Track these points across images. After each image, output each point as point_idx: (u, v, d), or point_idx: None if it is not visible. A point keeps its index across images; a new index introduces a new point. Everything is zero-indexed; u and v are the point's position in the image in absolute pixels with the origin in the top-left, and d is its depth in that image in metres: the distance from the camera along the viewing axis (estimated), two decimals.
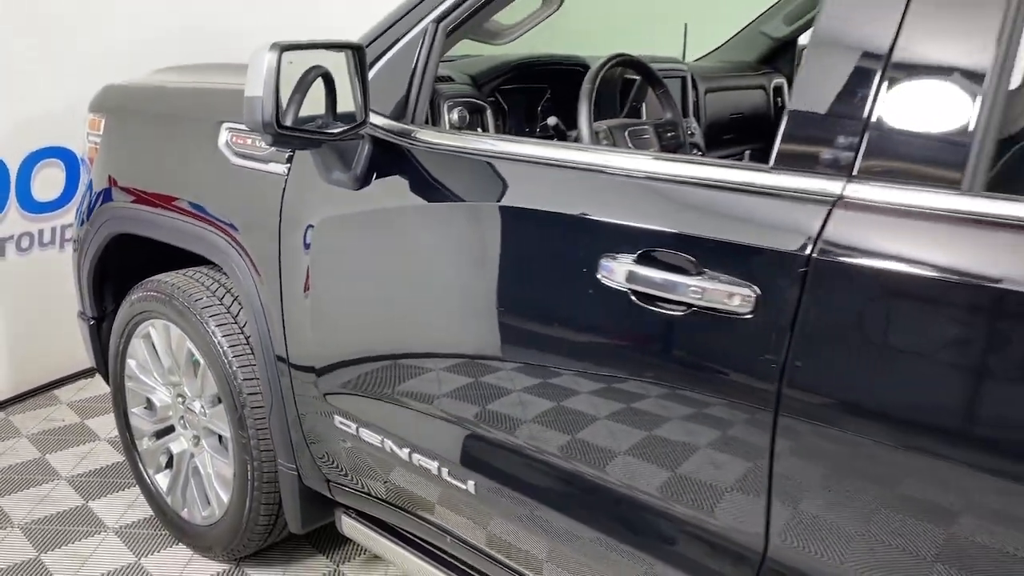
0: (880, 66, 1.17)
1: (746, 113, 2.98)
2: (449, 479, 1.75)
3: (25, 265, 3.43)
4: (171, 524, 2.62)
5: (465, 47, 2.14)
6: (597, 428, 1.46)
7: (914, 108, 1.15)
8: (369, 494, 2.05)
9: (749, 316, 1.24)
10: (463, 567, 1.93)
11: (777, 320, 1.21)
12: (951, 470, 1.11)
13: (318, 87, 1.64)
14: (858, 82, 1.19)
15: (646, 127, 2.21)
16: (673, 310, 1.31)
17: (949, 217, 1.11)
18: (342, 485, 2.11)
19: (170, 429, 2.60)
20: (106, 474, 3.00)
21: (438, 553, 2.00)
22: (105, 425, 3.29)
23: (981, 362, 1.09)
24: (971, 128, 1.10)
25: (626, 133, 2.12)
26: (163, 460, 2.63)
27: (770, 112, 2.93)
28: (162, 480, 2.64)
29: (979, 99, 1.10)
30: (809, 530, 1.24)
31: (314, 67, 1.68)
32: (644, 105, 2.41)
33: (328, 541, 2.62)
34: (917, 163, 1.14)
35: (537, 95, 2.27)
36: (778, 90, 2.95)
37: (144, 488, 2.69)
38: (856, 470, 1.18)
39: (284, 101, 1.61)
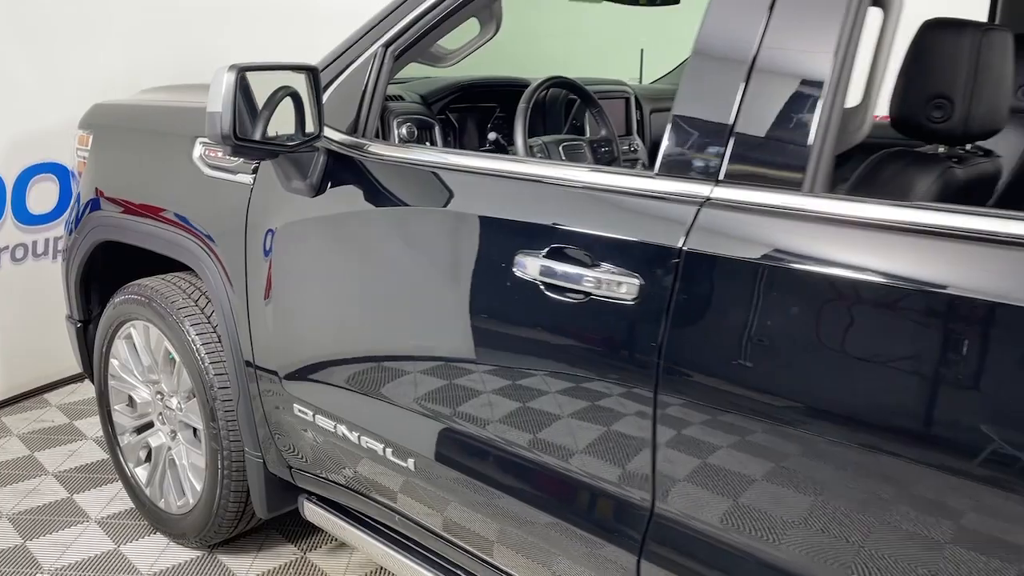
0: (741, 85, 1.36)
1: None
2: (392, 458, 1.93)
3: (19, 274, 3.62)
4: (149, 514, 2.79)
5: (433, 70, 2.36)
6: (515, 405, 1.65)
7: (767, 121, 1.34)
8: (326, 478, 2.23)
9: (634, 302, 1.42)
10: (418, 548, 2.09)
11: (656, 305, 1.40)
12: (797, 434, 1.29)
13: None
14: (723, 99, 1.38)
15: (581, 142, 2.41)
16: (575, 299, 1.50)
17: (793, 214, 1.30)
18: (302, 471, 2.29)
19: (149, 425, 2.78)
20: (91, 470, 3.18)
21: (395, 536, 2.16)
22: (92, 426, 3.46)
23: (823, 337, 1.27)
24: (811, 139, 1.29)
25: (560, 147, 2.32)
26: (143, 454, 2.81)
27: None
28: (141, 473, 2.81)
29: (818, 114, 1.29)
30: (687, 488, 1.42)
31: (283, 87, 1.88)
32: (587, 122, 2.60)
33: (297, 531, 2.79)
34: (769, 168, 1.34)
35: (488, 113, 2.47)
36: None
37: (125, 481, 2.87)
38: (722, 436, 1.36)
39: (245, 115, 1.81)
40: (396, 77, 2.16)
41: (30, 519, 2.84)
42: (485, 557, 1.86)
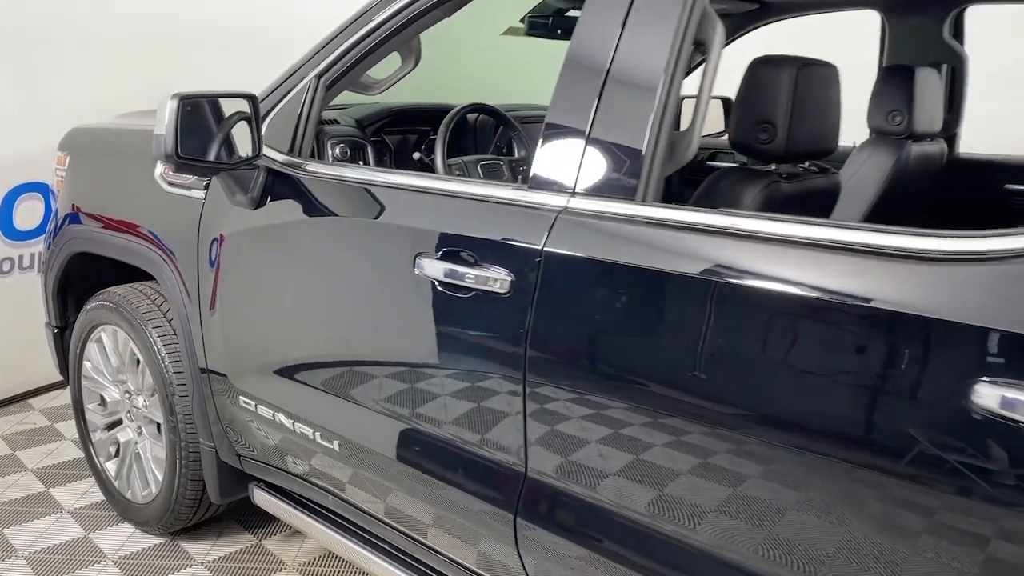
0: (589, 119, 1.62)
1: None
2: (320, 441, 2.18)
3: (6, 287, 3.88)
4: (117, 504, 3.03)
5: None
6: (416, 387, 1.89)
7: (609, 146, 1.60)
8: (269, 464, 2.47)
9: (507, 295, 1.68)
10: (355, 529, 2.33)
11: (524, 297, 1.65)
12: (634, 405, 1.54)
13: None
14: (576, 125, 1.64)
15: (499, 162, 2.67)
16: (460, 293, 1.75)
17: (630, 219, 1.55)
18: (249, 458, 2.53)
19: (119, 422, 3.02)
20: (67, 467, 3.42)
21: (335, 519, 2.39)
22: (71, 428, 3.68)
23: (650, 320, 1.52)
24: (643, 159, 1.55)
25: (479, 166, 2.58)
26: (112, 449, 3.05)
27: None
28: (111, 466, 3.05)
29: (647, 139, 1.55)
30: (555, 454, 1.67)
31: (238, 112, 2.15)
32: (514, 143, 2.86)
33: (253, 520, 3.03)
34: (611, 182, 1.59)
35: (423, 135, 2.74)
36: None
37: (96, 474, 3.11)
38: (579, 409, 1.61)
39: (193, 136, 2.07)
40: (336, 103, 2.43)
41: (8, 510, 3.08)
42: (402, 528, 2.10)
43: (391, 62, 2.32)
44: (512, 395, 1.70)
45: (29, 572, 2.73)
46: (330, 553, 2.84)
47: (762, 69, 1.76)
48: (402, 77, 2.37)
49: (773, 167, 1.86)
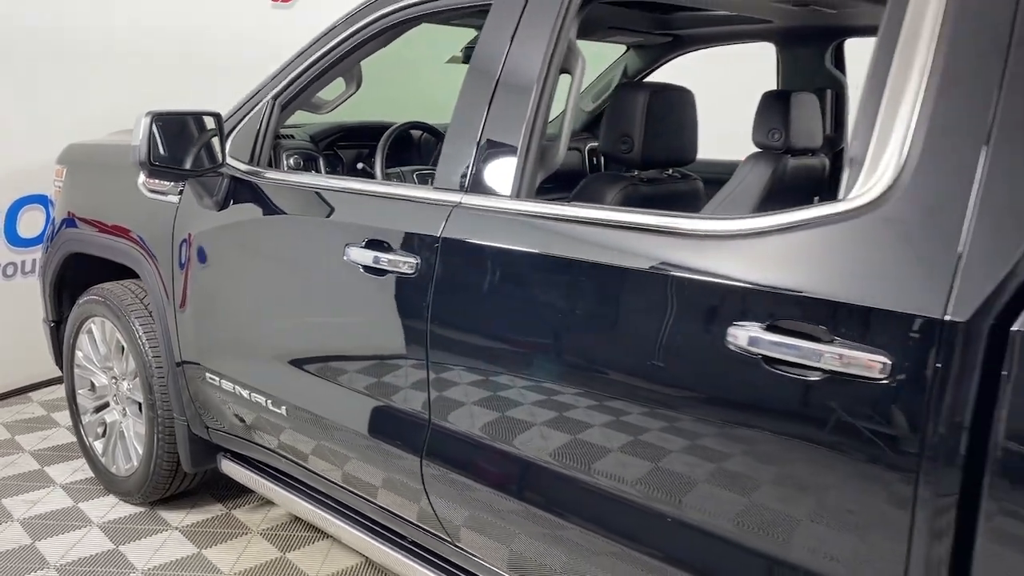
0: (480, 128, 2.00)
1: (562, 169, 3.82)
2: (272, 408, 2.55)
3: (10, 288, 4.27)
4: (103, 478, 3.40)
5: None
6: (344, 356, 2.27)
7: (493, 154, 1.98)
8: (232, 434, 2.83)
9: (414, 276, 2.05)
10: (309, 491, 2.68)
11: (426, 278, 2.02)
12: (515, 367, 1.90)
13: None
14: (469, 136, 2.02)
15: (432, 170, 3.04)
16: (378, 276, 2.13)
17: (507, 212, 1.93)
18: (216, 429, 2.90)
19: (106, 405, 3.39)
20: (61, 449, 3.78)
21: (295, 485, 2.74)
22: (67, 417, 4.05)
23: (524, 294, 1.89)
24: (517, 163, 1.93)
25: (414, 174, 2.96)
26: (100, 430, 3.42)
27: (584, 168, 3.76)
28: (98, 445, 3.42)
29: (521, 147, 1.93)
30: (452, 406, 2.03)
31: (211, 129, 2.54)
32: None
33: (225, 493, 3.38)
34: (494, 182, 1.97)
35: (372, 149, 3.11)
36: (592, 151, 3.77)
37: (85, 453, 3.48)
38: (465, 371, 1.97)
39: (167, 147, 2.45)
40: (297, 121, 2.81)
41: (6, 483, 3.45)
42: (341, 483, 2.47)
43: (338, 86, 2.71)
44: (418, 359, 2.07)
45: (23, 534, 3.09)
46: (292, 521, 3.20)
47: (623, 92, 2.15)
48: (346, 99, 2.76)
49: (636, 172, 2.24)
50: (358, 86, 2.75)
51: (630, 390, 1.69)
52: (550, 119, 2.02)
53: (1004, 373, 1.25)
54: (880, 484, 1.37)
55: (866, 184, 1.43)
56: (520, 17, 2.00)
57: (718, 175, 2.64)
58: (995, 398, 1.25)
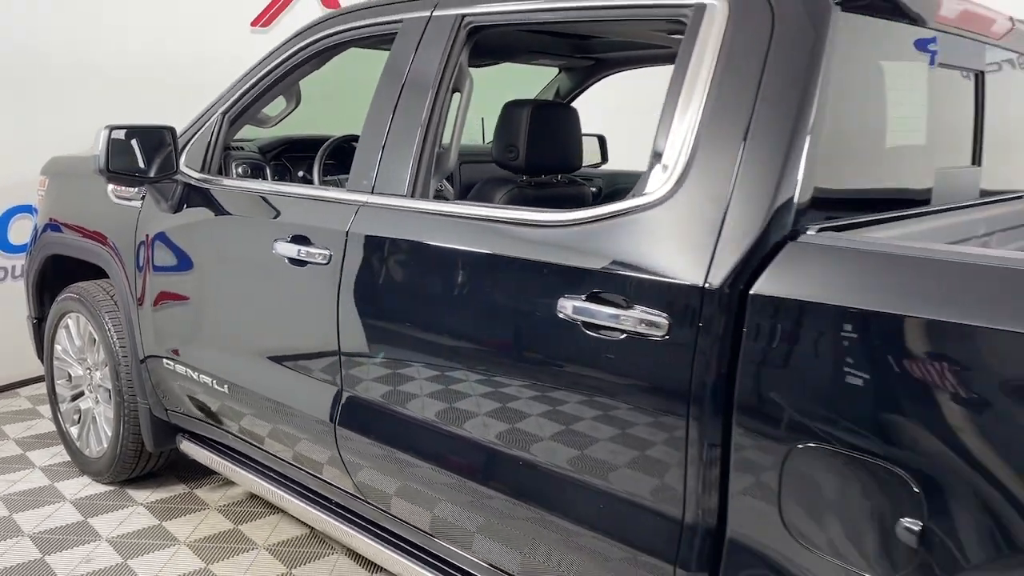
0: (383, 137, 2.34)
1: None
2: (216, 387, 2.88)
3: (1, 292, 4.62)
4: (77, 460, 3.73)
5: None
6: (272, 335, 2.60)
7: (393, 159, 2.31)
8: (188, 414, 3.16)
9: (327, 265, 2.38)
10: (256, 465, 3.00)
11: (338, 266, 2.35)
12: (412, 339, 2.23)
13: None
14: (375, 146, 2.36)
15: None
16: (300, 266, 2.46)
17: (402, 209, 2.26)
18: (174, 411, 3.23)
19: (81, 394, 3.73)
20: (43, 438, 4.12)
21: (248, 463, 3.06)
22: (49, 410, 4.40)
23: (414, 277, 2.22)
24: (411, 168, 2.26)
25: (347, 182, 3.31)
26: (75, 416, 3.75)
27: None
28: (74, 431, 3.75)
29: (415, 155, 2.26)
30: (361, 376, 2.35)
31: (167, 141, 2.89)
32: None
33: (189, 475, 3.71)
34: (393, 184, 2.30)
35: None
36: None
37: (63, 437, 3.81)
38: (376, 343, 2.30)
39: (130, 156, 2.79)
40: (248, 136, 3.16)
41: None
42: (271, 451, 2.79)
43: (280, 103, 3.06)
44: (330, 335, 2.40)
45: (3, 508, 3.42)
46: (248, 499, 3.52)
47: (510, 108, 2.48)
48: (287, 115, 3.11)
49: (524, 178, 2.57)
50: (297, 103, 3.09)
51: (492, 352, 2.01)
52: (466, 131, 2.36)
53: (745, 329, 1.57)
54: (669, 418, 1.69)
55: (660, 182, 1.76)
56: (418, 45, 2.34)
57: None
58: (739, 348, 1.58)
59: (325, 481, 2.62)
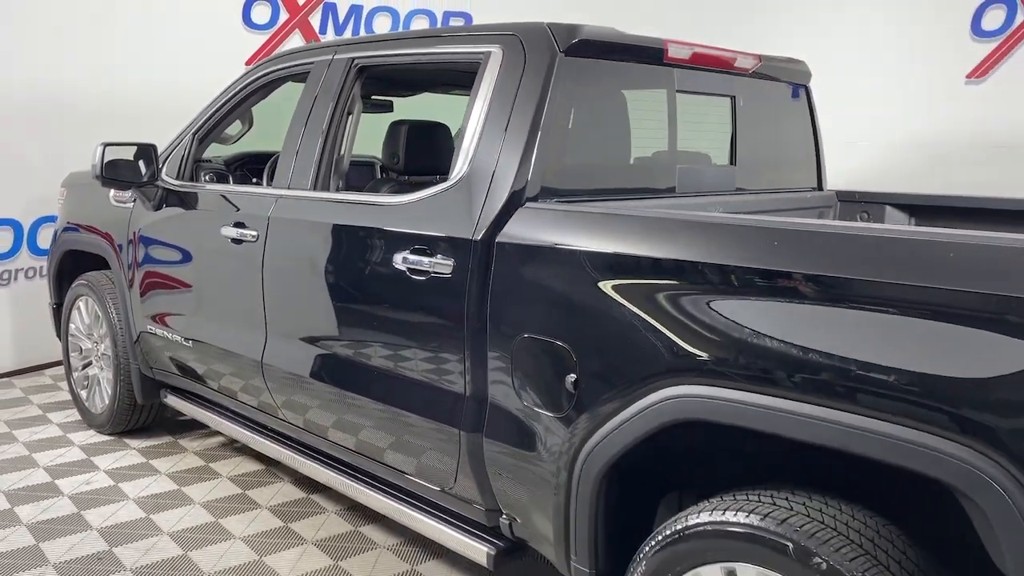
0: (296, 145, 3.20)
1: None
2: (184, 343, 3.74)
3: (31, 287, 5.54)
4: (86, 417, 4.60)
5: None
6: (220, 299, 3.46)
7: (303, 160, 3.17)
8: (166, 370, 4.03)
9: (255, 242, 3.24)
10: (222, 410, 3.84)
11: (263, 242, 3.21)
12: (306, 297, 3.07)
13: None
14: (291, 152, 3.22)
15: None
16: (237, 245, 3.32)
17: (307, 199, 3.11)
18: (157, 368, 4.09)
19: (89, 363, 4.61)
20: (62, 404, 5.00)
21: (225, 413, 3.91)
22: (62, 381, 5.28)
23: (307, 250, 3.07)
24: (314, 167, 3.12)
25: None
26: (85, 382, 4.63)
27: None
28: (83, 393, 4.63)
29: (316, 158, 3.12)
30: (277, 326, 3.19)
31: (150, 156, 3.78)
32: None
33: (177, 429, 4.57)
34: (301, 180, 3.15)
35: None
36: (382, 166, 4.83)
37: (75, 399, 4.69)
38: (287, 299, 3.14)
39: (113, 167, 3.68)
40: (220, 153, 4.05)
41: (16, 423, 4.67)
42: (223, 390, 3.64)
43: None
44: (258, 295, 3.24)
45: (24, 450, 4.30)
46: (223, 445, 4.37)
47: (393, 126, 3.33)
48: (243, 135, 4.00)
49: (406, 177, 3.42)
50: (250, 125, 3.98)
51: (359, 293, 2.84)
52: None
53: (494, 265, 2.39)
54: (455, 328, 2.49)
55: (456, 172, 2.59)
56: (322, 80, 3.20)
57: None
58: (491, 277, 2.40)
59: (259, 409, 3.46)
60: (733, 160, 3.15)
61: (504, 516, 2.55)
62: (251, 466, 4.13)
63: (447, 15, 7.05)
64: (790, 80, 3.35)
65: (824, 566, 1.71)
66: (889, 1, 6.31)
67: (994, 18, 5.78)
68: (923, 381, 1.60)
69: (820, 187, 3.55)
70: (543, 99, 2.45)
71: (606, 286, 2.12)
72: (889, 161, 6.16)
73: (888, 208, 3.38)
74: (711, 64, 2.94)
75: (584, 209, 2.32)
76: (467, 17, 7.09)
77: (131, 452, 4.30)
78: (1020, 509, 1.48)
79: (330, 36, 6.67)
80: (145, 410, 4.39)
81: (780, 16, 6.71)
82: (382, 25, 6.88)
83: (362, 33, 6.77)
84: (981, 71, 5.83)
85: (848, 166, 6.05)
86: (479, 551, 2.62)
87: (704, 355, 1.92)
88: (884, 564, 1.71)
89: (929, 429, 1.59)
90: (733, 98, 3.11)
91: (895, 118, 6.14)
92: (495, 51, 2.61)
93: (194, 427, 4.59)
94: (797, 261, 1.82)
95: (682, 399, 1.95)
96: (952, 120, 5.94)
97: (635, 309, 2.05)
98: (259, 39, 6.36)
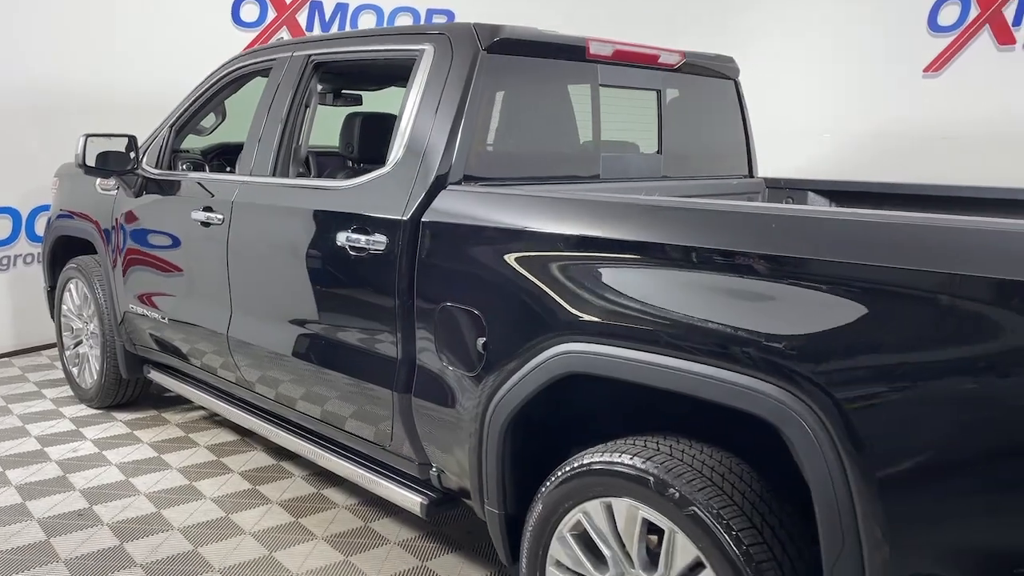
0: (259, 136, 3.48)
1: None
2: (162, 320, 4.03)
3: (29, 273, 5.86)
4: (77, 392, 4.91)
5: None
6: (192, 278, 3.75)
7: (263, 150, 3.44)
8: (147, 346, 4.32)
9: (221, 224, 3.52)
10: (197, 383, 4.14)
11: (228, 224, 3.49)
12: (262, 273, 3.36)
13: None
14: (253, 142, 3.50)
15: None
16: (205, 227, 3.60)
17: (266, 185, 3.39)
18: (139, 344, 4.39)
19: (80, 342, 4.92)
20: (56, 382, 5.30)
21: (186, 378, 4.20)
22: (57, 359, 5.59)
23: (261, 227, 3.35)
24: (272, 157, 3.40)
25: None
26: (76, 360, 4.94)
27: None
28: (75, 370, 4.94)
29: (274, 147, 3.40)
30: (241, 301, 3.48)
31: (130, 146, 4.07)
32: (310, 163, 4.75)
33: (162, 405, 4.88)
34: (262, 167, 3.44)
35: None
36: None
37: (67, 376, 5.00)
38: (251, 278, 3.43)
39: (95, 157, 3.97)
40: (203, 142, 4.34)
41: (13, 398, 4.98)
42: (196, 361, 3.93)
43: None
44: (223, 273, 3.53)
45: (19, 421, 4.61)
46: (203, 419, 4.67)
47: (348, 117, 3.60)
48: (217, 127, 4.29)
49: (361, 164, 3.69)
50: (223, 118, 4.26)
51: (308, 268, 3.11)
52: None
53: (420, 242, 2.67)
54: (388, 300, 2.76)
55: (392, 159, 2.86)
56: (282, 75, 3.48)
57: None
58: (417, 253, 2.67)
59: (225, 379, 3.75)
60: (660, 149, 3.41)
61: (433, 468, 2.83)
62: (227, 436, 4.42)
63: (430, 12, 7.32)
64: (717, 75, 3.61)
65: (677, 495, 1.97)
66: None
67: (950, 14, 6.00)
68: (750, 336, 1.86)
69: (751, 175, 3.80)
70: (466, 92, 2.72)
71: (509, 258, 2.39)
72: (850, 152, 6.40)
73: (810, 194, 3.64)
74: (634, 60, 3.20)
75: (493, 191, 2.59)
76: (450, 14, 7.36)
77: (117, 424, 4.60)
78: (817, 439, 1.74)
79: (317, 34, 6.95)
80: (130, 384, 4.69)
81: (750, 16, 6.95)
82: (367, 22, 7.16)
83: (347, 30, 7.05)
84: (937, 65, 6.05)
85: (810, 156, 6.31)
86: (414, 502, 2.89)
87: (585, 317, 2.19)
88: (728, 493, 1.97)
89: (754, 375, 1.85)
90: (659, 91, 3.37)
91: (857, 111, 6.37)
92: (428, 49, 2.88)
93: (177, 402, 4.89)
94: (655, 234, 2.09)
95: (567, 355, 2.22)
96: (910, 112, 6.17)
97: (531, 278, 2.32)
98: (248, 36, 6.64)
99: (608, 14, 7.11)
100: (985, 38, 5.81)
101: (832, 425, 1.73)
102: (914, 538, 1.66)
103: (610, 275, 2.16)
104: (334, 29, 7.02)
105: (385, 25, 7.17)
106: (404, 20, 7.26)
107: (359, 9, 7.10)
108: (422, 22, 7.28)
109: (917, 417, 1.65)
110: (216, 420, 4.64)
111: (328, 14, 6.99)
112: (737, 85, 3.70)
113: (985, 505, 1.61)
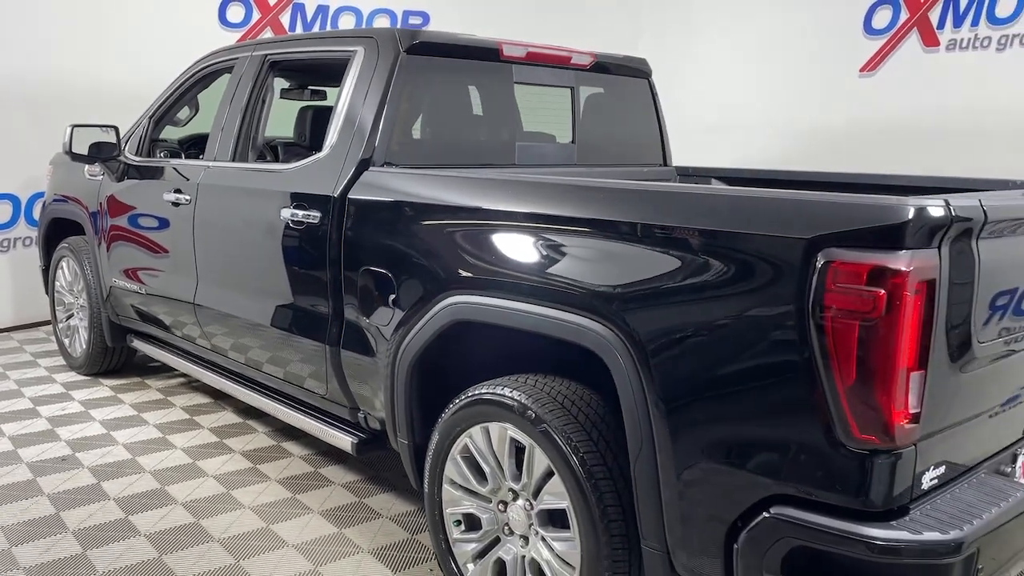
0: (222, 125, 3.95)
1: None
2: (139, 291, 4.51)
3: (27, 254, 6.34)
4: (68, 361, 5.39)
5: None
6: (163, 252, 4.22)
7: (225, 137, 3.91)
8: (130, 316, 4.80)
9: (188, 204, 3.99)
10: (173, 350, 4.61)
11: (194, 205, 3.96)
12: (212, 252, 3.83)
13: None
14: (217, 131, 3.98)
15: None
16: (176, 207, 4.07)
17: (225, 168, 3.86)
18: (122, 316, 4.87)
19: (71, 315, 5.40)
20: (51, 353, 5.78)
21: (162, 344, 4.67)
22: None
23: (221, 209, 3.82)
24: (233, 143, 3.86)
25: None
26: (68, 331, 5.42)
27: None
28: (66, 341, 5.42)
29: (236, 134, 3.86)
30: (206, 272, 3.95)
31: (113, 136, 4.55)
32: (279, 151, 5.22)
33: (146, 373, 5.35)
34: (224, 153, 3.90)
35: None
36: None
37: (60, 346, 5.48)
38: (213, 252, 3.90)
39: (82, 145, 4.45)
40: (180, 132, 4.82)
41: (11, 366, 5.47)
42: (170, 327, 4.40)
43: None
44: (190, 247, 4.00)
45: (14, 386, 5.09)
46: (183, 384, 5.14)
47: (301, 110, 4.06)
48: (192, 119, 4.76)
49: (313, 152, 4.15)
50: (197, 110, 4.74)
51: (256, 241, 3.58)
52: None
53: (347, 216, 3.13)
54: (321, 268, 3.23)
55: (327, 145, 3.32)
56: (243, 71, 3.95)
57: None
58: (344, 227, 3.13)
59: (192, 341, 4.22)
60: (574, 139, 3.87)
61: (361, 412, 3.29)
62: (201, 399, 4.89)
63: (407, 14, 7.79)
64: (631, 74, 4.06)
65: (533, 416, 2.43)
66: (790, 3, 6.99)
67: (883, 17, 6.44)
68: (583, 286, 2.32)
69: (665, 163, 4.25)
70: (387, 88, 3.18)
71: (412, 227, 2.86)
72: (794, 145, 6.84)
73: (714, 180, 4.08)
74: (547, 61, 3.65)
75: (403, 172, 3.06)
76: (425, 16, 7.83)
77: (103, 388, 5.08)
78: (626, 365, 2.20)
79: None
80: (116, 352, 5.17)
81: (698, 15, 7.40)
82: (347, 23, 7.62)
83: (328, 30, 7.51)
84: (872, 65, 6.48)
85: (759, 148, 6.76)
86: (345, 441, 3.36)
87: (465, 273, 2.65)
88: (573, 415, 2.43)
89: (585, 315, 2.31)
90: (572, 88, 3.82)
91: (796, 108, 6.82)
92: (359, 50, 3.34)
93: (160, 370, 5.36)
94: (514, 204, 2.56)
95: (454, 306, 2.68)
96: (848, 108, 6.61)
97: (428, 243, 2.79)
98: (233, 36, 7.10)
99: (578, 23, 7.60)
100: (913, 40, 6.24)
101: (636, 355, 2.18)
102: (688, 439, 2.12)
103: (484, 239, 2.62)
104: (315, 29, 7.48)
105: (364, 26, 7.63)
106: (382, 22, 7.73)
107: (339, 11, 7.56)
108: (399, 24, 7.75)
109: (692, 349, 2.11)
110: (193, 385, 5.11)
111: (310, 15, 7.46)
112: (651, 83, 4.14)
113: (737, 414, 2.06)
